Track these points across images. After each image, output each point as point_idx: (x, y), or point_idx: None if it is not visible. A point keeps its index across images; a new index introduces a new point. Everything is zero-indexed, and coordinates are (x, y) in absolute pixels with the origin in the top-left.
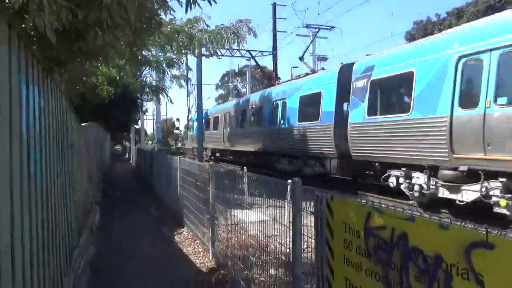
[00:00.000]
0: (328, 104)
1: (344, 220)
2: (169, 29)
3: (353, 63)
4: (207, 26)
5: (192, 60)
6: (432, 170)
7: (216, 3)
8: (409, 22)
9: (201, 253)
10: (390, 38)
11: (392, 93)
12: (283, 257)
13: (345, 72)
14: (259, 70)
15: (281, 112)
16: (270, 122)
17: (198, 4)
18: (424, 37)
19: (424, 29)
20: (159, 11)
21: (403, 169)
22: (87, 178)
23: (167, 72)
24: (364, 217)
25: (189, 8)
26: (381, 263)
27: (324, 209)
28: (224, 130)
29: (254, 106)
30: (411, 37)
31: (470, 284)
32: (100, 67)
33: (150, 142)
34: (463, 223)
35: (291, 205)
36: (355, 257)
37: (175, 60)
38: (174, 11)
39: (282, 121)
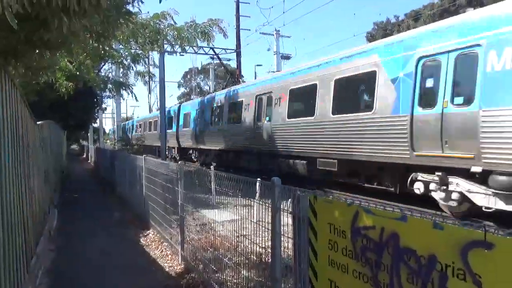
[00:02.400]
0: None
1: (328, 221)
2: (134, 22)
3: None
4: (174, 22)
5: (154, 56)
6: None
7: None
8: (370, 23)
9: (169, 256)
10: (353, 38)
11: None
12: (254, 257)
13: None
14: (222, 67)
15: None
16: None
17: None
18: (384, 38)
19: (384, 30)
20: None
21: None
22: (44, 179)
23: (132, 68)
24: (351, 217)
25: None
26: (370, 264)
27: (305, 209)
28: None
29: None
30: (371, 37)
31: (467, 285)
32: (59, 61)
33: (108, 141)
34: (457, 222)
35: (261, 203)
36: (341, 258)
37: (141, 55)
38: (142, 2)
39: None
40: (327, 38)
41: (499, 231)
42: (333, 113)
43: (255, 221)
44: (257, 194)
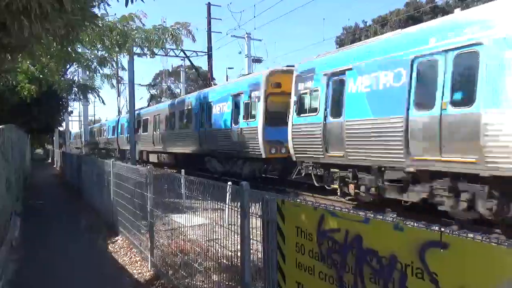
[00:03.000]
0: None
1: (296, 224)
2: (101, 25)
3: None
4: (143, 24)
5: (123, 59)
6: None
7: None
8: (339, 28)
9: (139, 263)
10: (322, 42)
11: None
12: (225, 261)
13: None
14: (193, 70)
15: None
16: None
17: None
18: (353, 43)
19: (353, 35)
20: (94, 3)
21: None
22: (4, 186)
23: (98, 71)
24: (317, 220)
25: (129, 2)
26: (335, 266)
27: (274, 213)
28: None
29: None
30: (340, 41)
31: (424, 284)
32: (20, 64)
33: (71, 145)
34: (416, 224)
35: (233, 208)
36: (308, 260)
37: (108, 58)
38: (109, 5)
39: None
40: (297, 42)
41: (454, 232)
42: None
43: (226, 225)
44: (228, 198)
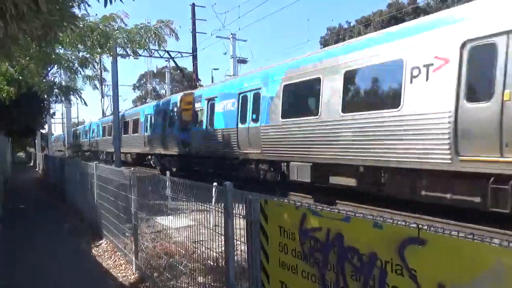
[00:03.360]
0: None
1: (279, 224)
2: (82, 25)
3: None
4: (125, 24)
5: (106, 60)
6: None
7: None
8: (323, 28)
9: (123, 266)
10: (307, 42)
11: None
12: (211, 263)
13: None
14: (178, 71)
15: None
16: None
17: None
18: (337, 43)
19: (337, 35)
20: (73, 3)
21: None
22: None
23: (80, 72)
24: (299, 220)
25: (109, 2)
26: (317, 264)
27: (257, 213)
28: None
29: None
30: (325, 42)
31: (404, 280)
32: None
33: (53, 148)
34: (395, 221)
35: (217, 209)
36: (291, 260)
37: (89, 59)
38: (89, 5)
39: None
40: (282, 42)
41: (431, 228)
42: None
43: (211, 226)
44: (213, 199)
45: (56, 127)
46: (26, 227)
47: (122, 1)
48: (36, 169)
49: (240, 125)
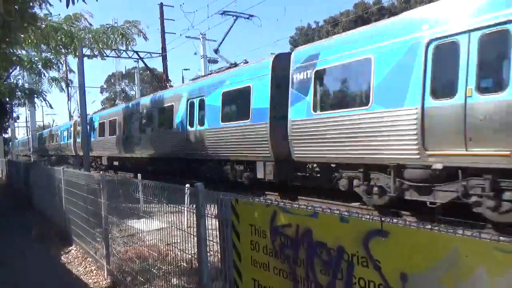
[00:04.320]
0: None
1: (250, 222)
2: (44, 25)
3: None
4: (90, 24)
5: (72, 61)
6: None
7: None
8: (292, 28)
9: (94, 272)
10: (276, 42)
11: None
12: (185, 264)
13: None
14: (148, 72)
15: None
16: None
17: None
18: (306, 43)
19: (305, 35)
20: (33, 3)
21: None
22: None
23: (44, 74)
24: (269, 217)
25: (71, 2)
26: (288, 261)
27: (228, 213)
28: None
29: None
30: (294, 41)
31: (369, 271)
32: None
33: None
34: (360, 215)
35: (191, 210)
36: (263, 257)
37: (53, 60)
38: (51, 5)
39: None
40: (252, 42)
41: (393, 220)
42: None
43: (184, 227)
44: (187, 200)
45: (19, 131)
46: None
47: (85, 2)
48: None
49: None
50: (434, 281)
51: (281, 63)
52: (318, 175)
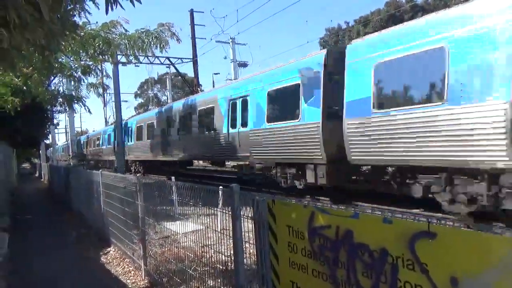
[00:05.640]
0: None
1: (287, 223)
2: (83, 33)
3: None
4: (126, 30)
5: (107, 68)
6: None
7: (141, 3)
8: (322, 29)
9: (132, 272)
10: (306, 44)
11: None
12: (220, 266)
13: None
14: (179, 77)
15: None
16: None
17: (120, 4)
18: (337, 43)
19: (336, 35)
20: (73, 12)
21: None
22: None
23: (83, 80)
24: (307, 218)
25: (109, 9)
26: (328, 262)
27: (265, 214)
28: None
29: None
30: (324, 43)
31: (416, 275)
32: (1, 76)
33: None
34: (405, 216)
35: (225, 212)
36: (301, 259)
37: (92, 67)
38: (90, 13)
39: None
40: (282, 45)
41: (440, 221)
42: None
43: (219, 229)
44: (220, 202)
45: (59, 137)
46: (34, 237)
47: (123, 8)
48: (41, 179)
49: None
50: (488, 286)
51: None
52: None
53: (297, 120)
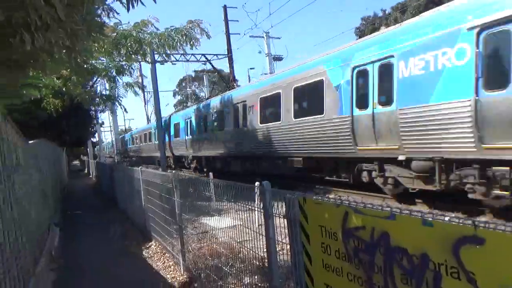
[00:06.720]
0: None
1: (319, 223)
2: (115, 34)
3: None
4: (157, 29)
5: (146, 67)
6: None
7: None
8: (357, 19)
9: (172, 267)
10: (342, 34)
11: None
12: (257, 263)
13: None
14: (216, 73)
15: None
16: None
17: (141, 1)
18: (373, 32)
19: (372, 24)
20: (100, 11)
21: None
22: (42, 198)
23: (118, 80)
24: (340, 218)
25: (131, 6)
26: (363, 266)
27: (296, 212)
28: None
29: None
30: (360, 32)
31: (461, 284)
32: (43, 79)
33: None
34: (447, 217)
35: (258, 210)
36: (335, 261)
37: (125, 66)
38: (118, 13)
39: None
40: (316, 36)
41: (490, 225)
42: None
43: (256, 226)
44: (257, 199)
45: (105, 135)
46: (81, 232)
47: (143, 4)
48: (90, 176)
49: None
50: None
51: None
52: None
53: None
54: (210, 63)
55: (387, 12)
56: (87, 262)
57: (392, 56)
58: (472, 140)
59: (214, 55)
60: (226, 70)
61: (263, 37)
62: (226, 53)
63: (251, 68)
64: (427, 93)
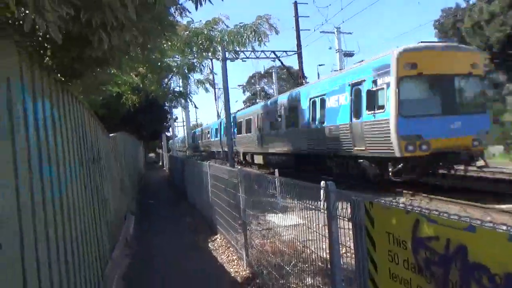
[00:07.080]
0: None
1: (387, 229)
2: (187, 32)
3: None
4: (227, 26)
5: (217, 64)
6: None
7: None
8: (437, 10)
9: (235, 261)
10: (418, 27)
11: None
12: (320, 264)
13: None
14: (285, 70)
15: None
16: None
17: (209, 0)
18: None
19: (454, 16)
20: (171, 10)
21: None
22: (120, 188)
23: (189, 77)
24: (411, 226)
25: (199, 4)
26: (436, 280)
27: (362, 216)
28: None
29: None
30: (440, 25)
31: None
32: (121, 76)
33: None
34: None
35: (322, 211)
36: (403, 272)
37: (196, 64)
38: (189, 11)
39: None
40: (390, 30)
41: None
42: None
43: (320, 226)
44: (322, 200)
45: (179, 130)
46: (153, 221)
47: (211, 2)
48: (164, 169)
49: None
50: None
51: None
52: None
53: None
54: (279, 60)
55: (470, 2)
56: (157, 249)
57: (325, 95)
58: (351, 145)
59: (284, 51)
60: (296, 67)
61: (333, 32)
62: (296, 49)
63: (320, 65)
64: (336, 118)
